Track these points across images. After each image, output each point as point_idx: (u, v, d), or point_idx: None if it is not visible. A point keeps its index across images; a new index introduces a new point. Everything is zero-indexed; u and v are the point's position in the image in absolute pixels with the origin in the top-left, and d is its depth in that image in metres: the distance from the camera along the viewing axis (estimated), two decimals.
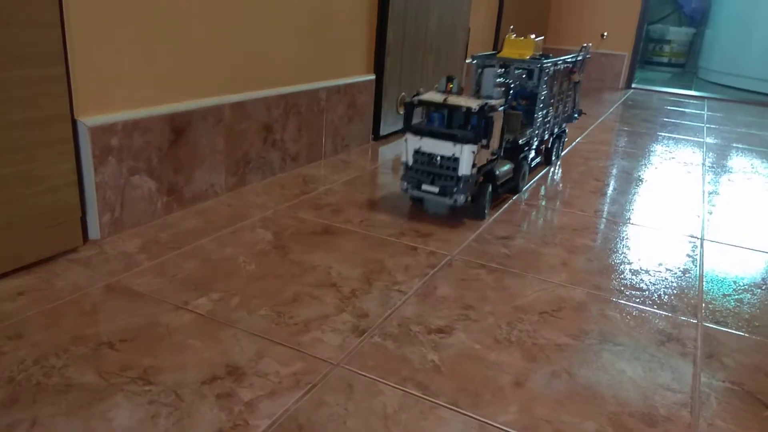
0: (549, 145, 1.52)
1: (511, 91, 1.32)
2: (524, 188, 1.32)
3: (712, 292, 0.90)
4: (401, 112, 1.72)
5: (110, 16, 0.86)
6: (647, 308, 0.83)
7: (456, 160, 1.03)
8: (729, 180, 1.52)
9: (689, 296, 0.88)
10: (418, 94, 1.08)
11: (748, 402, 0.65)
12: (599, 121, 2.21)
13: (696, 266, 0.98)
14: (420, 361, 0.67)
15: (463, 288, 0.85)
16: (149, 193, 0.98)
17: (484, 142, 1.04)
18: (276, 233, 0.99)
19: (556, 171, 1.49)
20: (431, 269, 0.90)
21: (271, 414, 0.57)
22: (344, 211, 1.11)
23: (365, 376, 0.64)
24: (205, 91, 1.06)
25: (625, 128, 2.10)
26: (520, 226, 1.10)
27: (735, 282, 0.94)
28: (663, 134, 2.04)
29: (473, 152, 1.02)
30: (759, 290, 0.91)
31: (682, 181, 1.47)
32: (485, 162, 1.09)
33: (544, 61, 1.29)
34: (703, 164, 1.66)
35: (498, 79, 1.17)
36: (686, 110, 2.60)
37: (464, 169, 1.03)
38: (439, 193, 1.06)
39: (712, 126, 2.26)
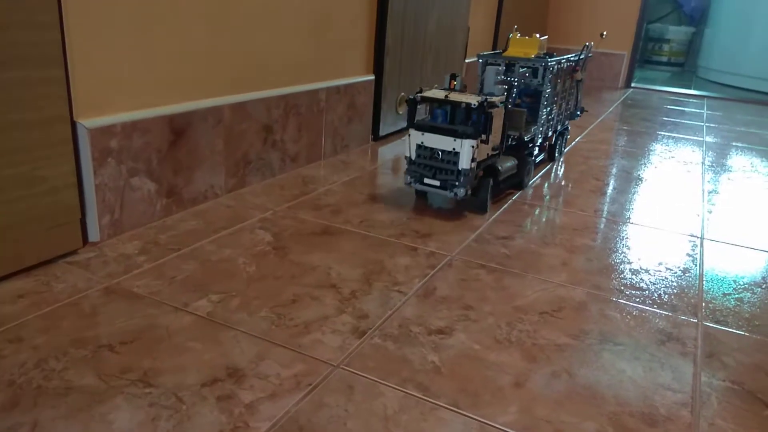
0: (552, 142, 1.55)
1: (515, 89, 1.34)
2: (529, 183, 1.35)
3: (712, 291, 0.90)
4: (401, 113, 1.73)
5: (110, 17, 0.86)
6: (647, 308, 0.83)
7: (456, 154, 1.07)
8: (729, 179, 1.52)
9: (689, 295, 0.88)
10: (421, 91, 1.12)
11: (749, 401, 0.65)
12: (599, 120, 2.21)
13: (696, 265, 0.98)
14: (420, 362, 0.67)
15: (463, 288, 0.85)
16: (149, 194, 0.98)
17: (483, 137, 1.07)
18: (276, 234, 0.99)
19: (558, 169, 1.49)
20: (431, 270, 0.90)
21: (271, 416, 0.57)
22: (344, 211, 1.11)
23: (365, 377, 0.64)
24: (205, 92, 1.06)
25: (625, 127, 2.10)
26: (520, 226, 1.10)
27: (735, 281, 0.94)
28: (662, 133, 2.03)
29: (473, 147, 1.06)
30: (759, 289, 0.91)
31: (681, 180, 1.47)
32: (486, 157, 1.12)
33: (549, 59, 1.32)
34: (703, 163, 1.66)
35: (499, 77, 1.20)
36: (686, 109, 2.60)
37: (464, 163, 1.06)
38: (440, 187, 1.10)
39: (711, 125, 2.26)
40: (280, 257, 0.90)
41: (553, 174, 1.46)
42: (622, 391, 0.65)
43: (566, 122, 1.59)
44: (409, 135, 1.11)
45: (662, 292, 0.88)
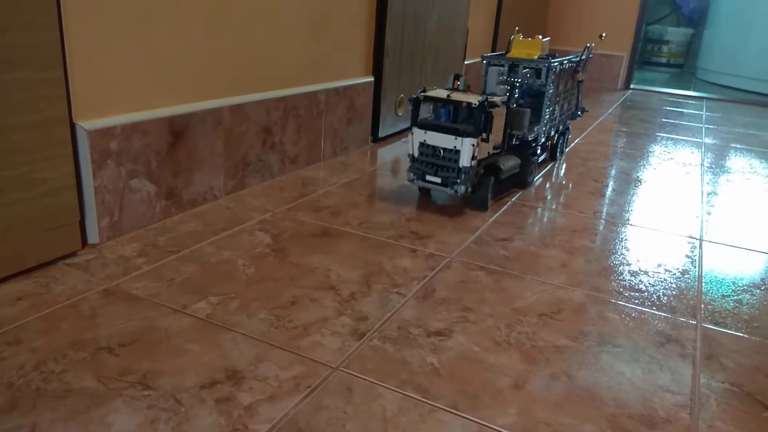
0: (554, 142, 1.57)
1: (517, 89, 1.38)
2: (533, 182, 1.37)
3: (711, 293, 0.90)
4: (400, 114, 1.73)
5: (109, 19, 0.86)
6: (646, 309, 0.83)
7: (457, 152, 1.10)
8: (728, 180, 1.52)
9: (688, 297, 0.88)
10: (424, 90, 1.15)
11: (748, 403, 0.65)
12: (598, 121, 2.21)
13: (695, 267, 0.98)
14: (419, 363, 0.67)
15: (462, 290, 0.85)
16: (148, 196, 0.98)
17: (483, 135, 1.09)
18: (275, 236, 0.99)
19: (557, 170, 1.49)
20: (430, 271, 0.90)
21: (270, 418, 0.57)
22: (343, 213, 1.11)
23: (364, 379, 0.64)
24: (204, 94, 1.06)
25: (624, 129, 2.11)
26: (519, 228, 1.10)
27: (734, 283, 0.94)
28: (661, 135, 2.04)
29: (473, 145, 1.08)
30: (758, 291, 0.92)
31: (680, 182, 1.48)
32: (486, 155, 1.15)
33: (552, 60, 1.34)
34: (702, 165, 1.66)
35: (501, 77, 1.24)
36: (685, 111, 2.60)
37: (465, 161, 1.09)
38: (441, 184, 1.13)
39: (710, 126, 2.26)
40: (279, 259, 0.90)
41: (552, 175, 1.46)
42: (621, 393, 0.65)
43: (567, 122, 1.61)
44: (413, 133, 1.14)
45: (661, 294, 0.88)
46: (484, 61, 1.38)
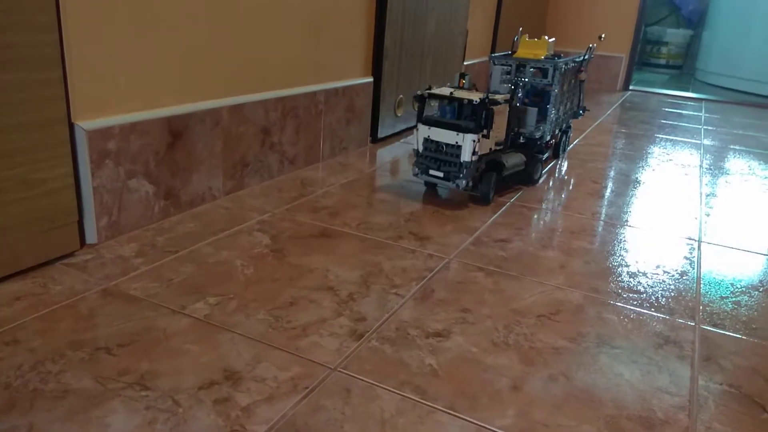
0: (557, 140, 1.60)
1: (521, 88, 1.42)
2: (539, 180, 1.40)
3: (710, 294, 0.90)
4: (399, 115, 1.73)
5: (108, 19, 0.86)
6: (645, 311, 0.83)
7: (459, 147, 1.14)
8: (726, 182, 1.52)
9: (687, 299, 0.88)
10: (430, 88, 1.20)
11: (746, 405, 0.65)
12: (597, 122, 2.21)
13: (693, 268, 0.98)
14: (417, 365, 0.67)
15: (461, 291, 0.85)
16: (146, 196, 0.97)
17: (484, 132, 1.13)
18: (273, 236, 0.99)
19: (557, 170, 1.49)
20: (429, 272, 0.90)
21: (268, 419, 0.57)
22: (342, 213, 1.11)
23: (363, 380, 0.64)
24: (203, 94, 1.06)
25: (623, 130, 2.11)
26: (517, 229, 1.10)
27: (732, 284, 0.94)
28: (660, 136, 2.04)
29: (474, 141, 1.12)
30: (756, 292, 0.92)
31: (679, 183, 1.48)
32: (488, 151, 1.19)
33: (558, 60, 1.39)
34: (701, 166, 1.66)
35: (505, 76, 1.30)
36: (684, 112, 2.60)
37: (466, 156, 1.14)
38: (444, 178, 1.18)
39: (709, 128, 2.26)
40: (277, 259, 0.90)
41: (552, 176, 1.46)
42: (619, 394, 0.65)
43: (569, 120, 1.64)
44: (417, 129, 1.19)
45: (660, 295, 0.88)
46: (494, 62, 1.42)
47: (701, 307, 0.86)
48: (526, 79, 1.41)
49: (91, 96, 0.86)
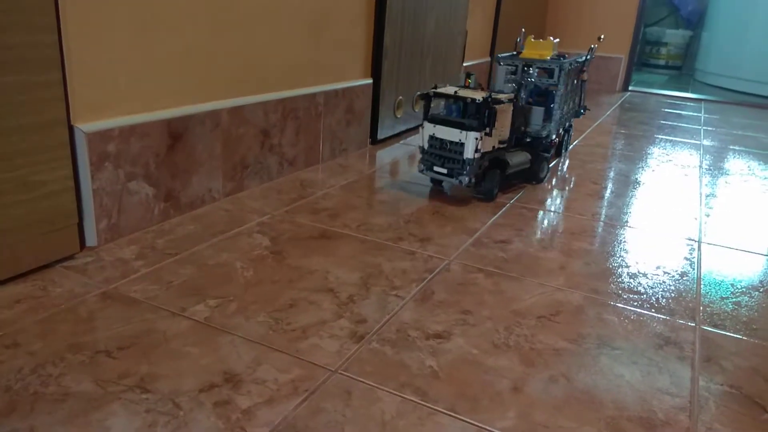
0: (560, 139, 1.62)
1: (524, 88, 1.45)
2: (545, 178, 1.42)
3: (710, 295, 0.90)
4: (399, 116, 1.73)
5: (107, 20, 0.86)
6: (645, 312, 0.83)
7: (462, 145, 1.17)
8: (726, 182, 1.52)
9: (687, 299, 0.88)
10: (435, 87, 1.24)
11: (747, 405, 0.65)
12: (596, 123, 2.21)
13: (694, 269, 0.98)
14: (418, 366, 0.67)
15: (461, 293, 0.85)
16: (146, 198, 0.97)
17: (487, 130, 1.17)
18: (273, 238, 0.99)
19: (557, 171, 1.49)
20: (429, 274, 0.90)
21: (269, 421, 0.57)
22: (342, 215, 1.11)
23: (363, 382, 0.64)
24: (203, 96, 1.06)
25: (623, 131, 2.11)
26: (517, 230, 1.10)
27: (733, 285, 0.94)
28: (660, 137, 2.04)
29: (476, 139, 1.16)
30: (757, 293, 0.92)
31: (679, 184, 1.48)
32: (491, 149, 1.22)
33: (563, 61, 1.41)
34: (701, 167, 1.66)
35: (509, 76, 1.34)
36: (683, 112, 2.60)
37: (469, 153, 1.17)
38: (447, 174, 1.21)
39: (708, 128, 2.26)
40: (277, 261, 0.90)
41: (551, 176, 1.46)
42: (620, 395, 0.65)
43: (571, 119, 1.67)
44: (423, 127, 1.23)
45: (660, 296, 0.88)
46: (500, 63, 1.45)
47: (701, 308, 0.86)
48: (532, 79, 1.43)
49: (91, 98, 0.86)
